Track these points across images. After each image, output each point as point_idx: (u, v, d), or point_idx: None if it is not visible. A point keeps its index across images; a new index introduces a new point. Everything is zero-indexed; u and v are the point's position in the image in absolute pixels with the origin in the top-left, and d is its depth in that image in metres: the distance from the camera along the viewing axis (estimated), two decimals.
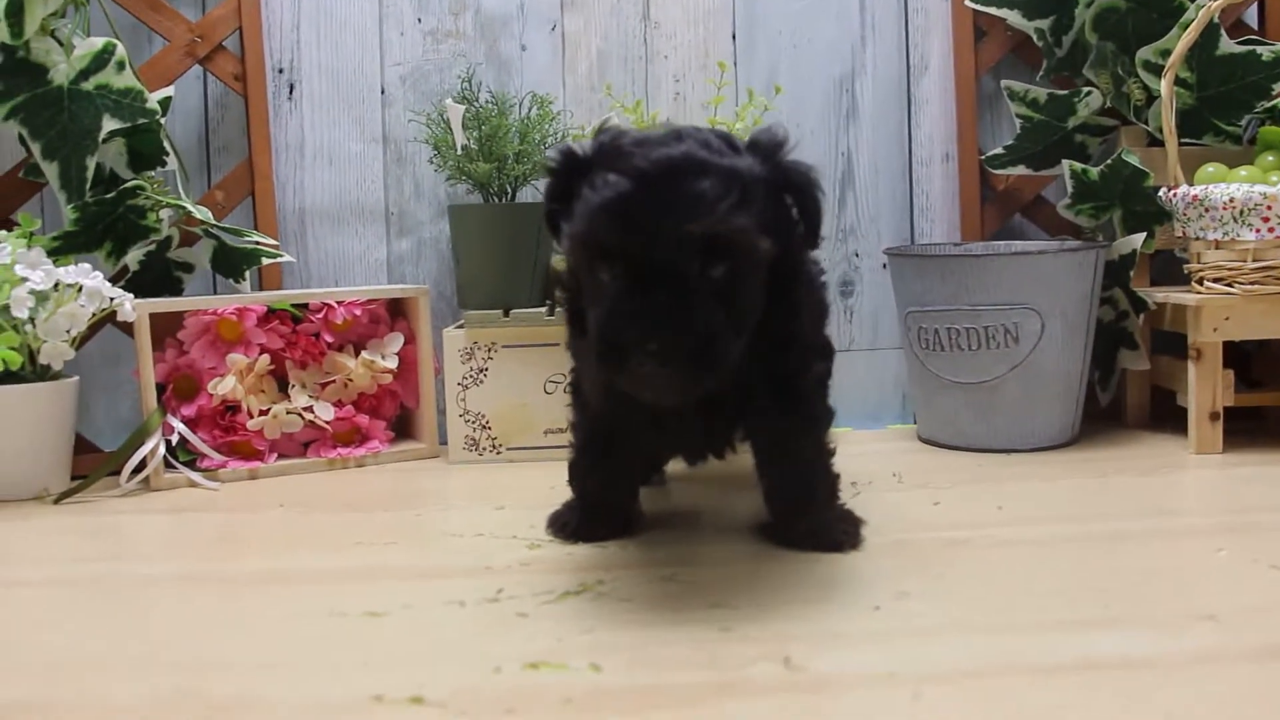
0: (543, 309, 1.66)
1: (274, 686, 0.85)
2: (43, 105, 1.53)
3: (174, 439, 1.58)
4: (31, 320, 1.48)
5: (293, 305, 1.67)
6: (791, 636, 0.91)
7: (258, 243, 1.68)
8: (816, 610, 0.98)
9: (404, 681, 0.85)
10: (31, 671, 0.91)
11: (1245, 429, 1.64)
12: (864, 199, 1.87)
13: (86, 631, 1.00)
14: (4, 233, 1.51)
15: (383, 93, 1.82)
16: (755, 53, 1.85)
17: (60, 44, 1.54)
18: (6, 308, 1.45)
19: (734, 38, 1.84)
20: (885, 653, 0.87)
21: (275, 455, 1.65)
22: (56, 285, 1.49)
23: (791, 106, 1.83)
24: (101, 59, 1.54)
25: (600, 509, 1.23)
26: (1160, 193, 1.62)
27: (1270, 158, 1.62)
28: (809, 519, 1.17)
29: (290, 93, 1.80)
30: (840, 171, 1.86)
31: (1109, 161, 1.67)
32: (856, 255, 1.87)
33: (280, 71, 1.80)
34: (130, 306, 1.53)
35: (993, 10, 1.78)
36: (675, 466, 1.50)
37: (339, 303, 1.67)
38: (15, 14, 1.47)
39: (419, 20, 1.81)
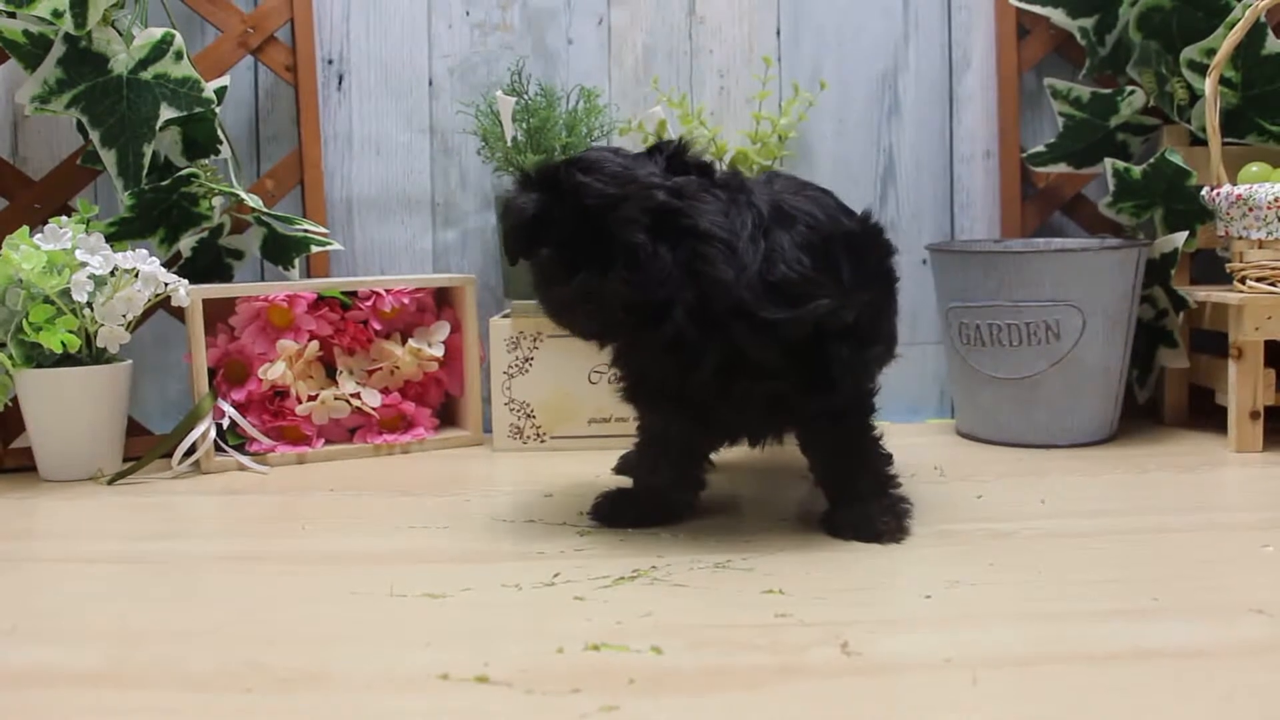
0: None
1: (341, 662, 0.87)
2: (103, 94, 1.56)
3: (224, 423, 1.61)
4: (89, 304, 1.51)
5: (342, 293, 1.69)
6: (847, 622, 0.93)
7: (308, 230, 1.70)
8: (870, 597, 1.00)
9: (469, 660, 0.86)
10: (104, 642, 0.93)
11: None
12: (905, 194, 1.88)
13: (153, 605, 1.03)
14: (64, 219, 1.53)
15: (430, 84, 1.84)
16: (799, 48, 1.86)
17: (120, 34, 1.57)
18: (66, 291, 1.48)
19: (778, 33, 1.86)
20: (941, 639, 0.89)
21: (322, 440, 1.68)
22: (114, 270, 1.52)
23: (834, 101, 1.85)
24: (160, 49, 1.56)
25: (648, 495, 1.26)
26: (1203, 192, 1.63)
27: None
28: (852, 508, 1.18)
29: (340, 83, 1.82)
30: (882, 167, 1.87)
31: (1152, 160, 1.68)
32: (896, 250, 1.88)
33: (330, 62, 1.82)
34: (185, 292, 1.56)
35: (1036, 8, 1.79)
36: (725, 456, 1.52)
37: (387, 291, 1.69)
38: (79, 5, 1.50)
39: (467, 13, 1.83)
